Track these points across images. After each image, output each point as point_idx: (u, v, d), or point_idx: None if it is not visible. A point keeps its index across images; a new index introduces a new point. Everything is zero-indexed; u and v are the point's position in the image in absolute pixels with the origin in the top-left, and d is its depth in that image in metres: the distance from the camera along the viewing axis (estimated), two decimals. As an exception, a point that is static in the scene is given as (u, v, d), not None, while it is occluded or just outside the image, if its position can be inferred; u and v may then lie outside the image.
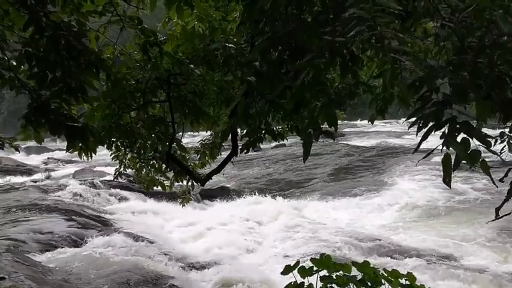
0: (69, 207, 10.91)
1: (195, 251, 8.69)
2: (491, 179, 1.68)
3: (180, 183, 5.13)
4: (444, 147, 1.63)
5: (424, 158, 2.15)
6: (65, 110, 3.00)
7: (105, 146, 4.05)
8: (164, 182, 5.25)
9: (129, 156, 4.75)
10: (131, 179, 12.30)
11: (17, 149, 3.02)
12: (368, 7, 1.61)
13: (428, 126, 1.69)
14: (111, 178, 8.64)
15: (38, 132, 2.91)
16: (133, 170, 5.17)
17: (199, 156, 5.43)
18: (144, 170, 4.94)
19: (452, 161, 1.64)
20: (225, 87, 4.19)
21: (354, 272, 2.09)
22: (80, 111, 3.70)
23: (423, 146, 1.81)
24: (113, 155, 4.62)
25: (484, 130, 1.68)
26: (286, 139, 4.32)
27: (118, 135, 4.02)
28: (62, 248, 8.06)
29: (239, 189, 14.64)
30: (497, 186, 2.00)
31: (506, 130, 3.37)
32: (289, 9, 2.11)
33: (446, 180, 1.68)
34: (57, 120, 2.86)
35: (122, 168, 5.12)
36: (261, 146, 17.33)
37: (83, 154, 3.49)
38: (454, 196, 11.76)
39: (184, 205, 6.24)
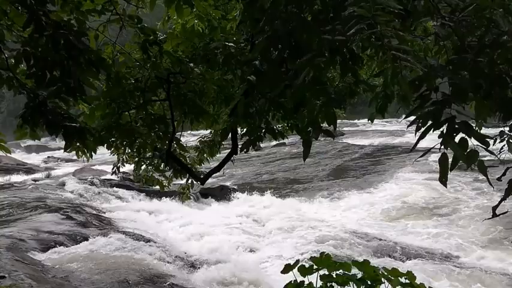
0: (69, 206, 10.91)
1: (195, 249, 8.70)
2: (488, 180, 1.67)
3: (180, 180, 5.12)
4: (442, 146, 1.63)
5: (420, 156, 2.15)
6: (62, 109, 2.99)
7: (105, 145, 4.05)
8: (163, 181, 5.24)
9: (128, 151, 4.73)
10: (131, 177, 12.30)
11: (8, 151, 2.99)
12: (368, 6, 1.61)
13: (427, 126, 1.69)
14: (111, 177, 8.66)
15: (34, 132, 2.90)
16: (133, 168, 5.15)
17: (197, 153, 5.43)
18: (143, 166, 4.93)
19: (450, 160, 1.64)
20: (224, 86, 4.19)
21: (354, 270, 2.09)
22: (77, 111, 3.70)
23: (423, 144, 1.81)
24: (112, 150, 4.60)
25: (484, 129, 1.68)
26: (287, 138, 4.31)
27: (118, 135, 4.01)
28: (62, 246, 8.06)
29: (239, 188, 14.64)
30: (493, 187, 2.00)
31: (506, 129, 3.37)
32: (289, 8, 2.11)
33: (443, 180, 1.68)
34: (54, 120, 2.85)
35: (120, 164, 5.10)
36: (261, 145, 17.34)
37: (81, 154, 3.48)
38: (455, 195, 11.77)
39: (183, 201, 6.22)
